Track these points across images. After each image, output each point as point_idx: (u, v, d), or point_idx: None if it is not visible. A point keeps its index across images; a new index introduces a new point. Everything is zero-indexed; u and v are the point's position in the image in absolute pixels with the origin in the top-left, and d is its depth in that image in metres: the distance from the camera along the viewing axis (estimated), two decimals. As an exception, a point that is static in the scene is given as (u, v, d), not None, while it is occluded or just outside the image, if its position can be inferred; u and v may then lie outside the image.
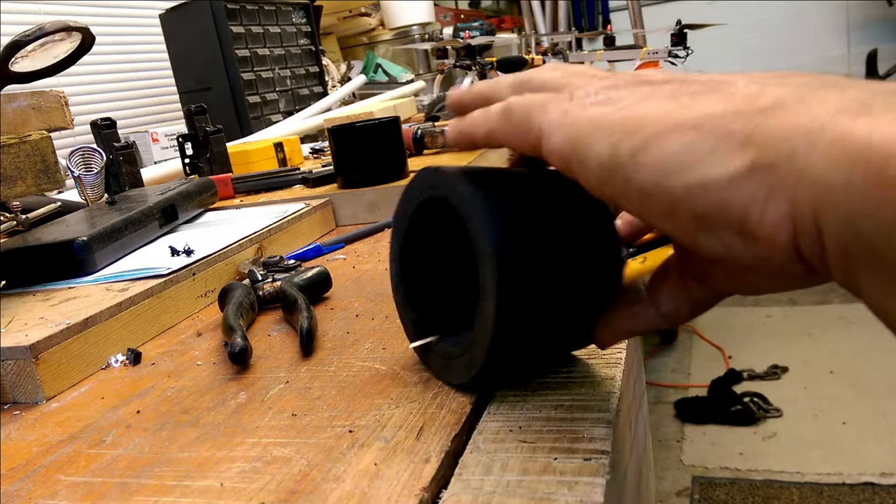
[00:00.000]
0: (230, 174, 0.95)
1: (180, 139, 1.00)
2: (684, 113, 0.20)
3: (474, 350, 0.30)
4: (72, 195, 0.86)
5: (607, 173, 0.22)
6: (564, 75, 0.27)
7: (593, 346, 0.34)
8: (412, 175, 0.33)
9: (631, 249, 0.33)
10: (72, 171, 0.75)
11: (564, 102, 0.24)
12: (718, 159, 0.19)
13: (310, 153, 1.23)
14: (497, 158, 0.85)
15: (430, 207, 0.33)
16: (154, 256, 0.56)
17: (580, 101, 0.24)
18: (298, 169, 0.96)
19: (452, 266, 0.37)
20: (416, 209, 0.33)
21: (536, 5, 3.39)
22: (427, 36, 2.22)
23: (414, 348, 0.37)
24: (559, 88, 0.26)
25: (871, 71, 2.97)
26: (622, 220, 0.34)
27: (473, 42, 1.30)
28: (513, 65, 1.36)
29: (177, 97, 1.65)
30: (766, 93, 0.20)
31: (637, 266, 0.34)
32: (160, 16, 1.60)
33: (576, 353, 0.34)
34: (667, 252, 0.35)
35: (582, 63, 1.75)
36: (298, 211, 0.69)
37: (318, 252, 0.63)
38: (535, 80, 0.28)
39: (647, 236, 0.37)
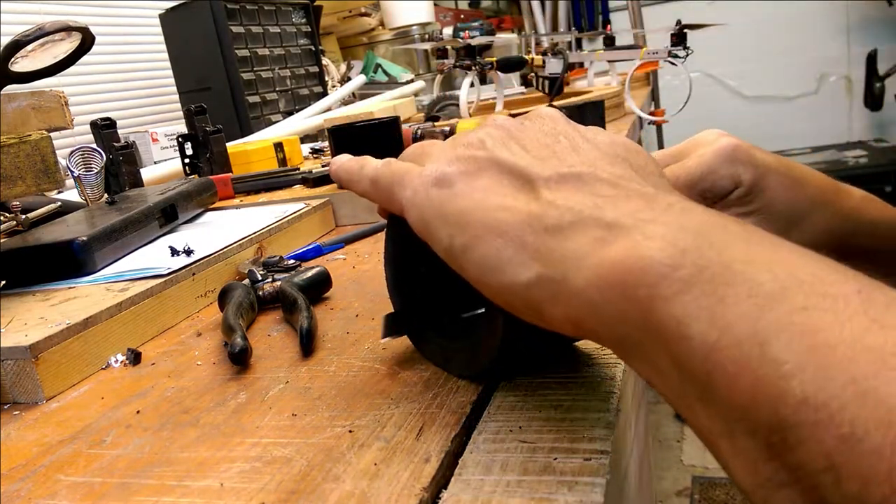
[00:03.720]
0: (230, 174, 0.95)
1: (180, 139, 1.00)
2: (495, 217, 0.25)
3: (479, 347, 0.31)
4: (72, 195, 0.86)
5: (449, 258, 0.26)
6: (426, 145, 0.31)
7: (594, 345, 0.34)
8: None
9: None
10: (72, 171, 0.75)
11: (416, 178, 0.28)
12: (517, 267, 0.24)
13: (310, 153, 1.23)
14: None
15: None
16: (154, 256, 0.56)
17: (425, 181, 0.27)
18: (298, 169, 0.96)
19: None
20: None
21: (536, 5, 3.39)
22: (427, 36, 2.22)
23: (411, 339, 0.37)
24: (417, 158, 0.30)
25: (871, 71, 2.96)
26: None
27: (473, 42, 1.30)
28: (513, 65, 1.36)
29: (177, 97, 1.65)
30: (557, 205, 0.23)
31: None
32: (160, 16, 1.60)
33: (576, 353, 0.34)
34: None
35: (569, 73, 1.75)
36: (298, 211, 0.69)
37: (318, 252, 0.63)
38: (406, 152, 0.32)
39: None
